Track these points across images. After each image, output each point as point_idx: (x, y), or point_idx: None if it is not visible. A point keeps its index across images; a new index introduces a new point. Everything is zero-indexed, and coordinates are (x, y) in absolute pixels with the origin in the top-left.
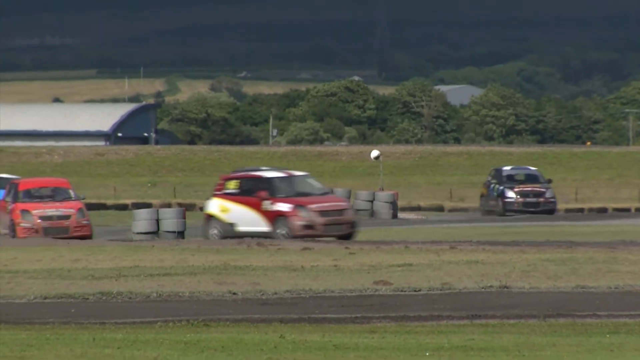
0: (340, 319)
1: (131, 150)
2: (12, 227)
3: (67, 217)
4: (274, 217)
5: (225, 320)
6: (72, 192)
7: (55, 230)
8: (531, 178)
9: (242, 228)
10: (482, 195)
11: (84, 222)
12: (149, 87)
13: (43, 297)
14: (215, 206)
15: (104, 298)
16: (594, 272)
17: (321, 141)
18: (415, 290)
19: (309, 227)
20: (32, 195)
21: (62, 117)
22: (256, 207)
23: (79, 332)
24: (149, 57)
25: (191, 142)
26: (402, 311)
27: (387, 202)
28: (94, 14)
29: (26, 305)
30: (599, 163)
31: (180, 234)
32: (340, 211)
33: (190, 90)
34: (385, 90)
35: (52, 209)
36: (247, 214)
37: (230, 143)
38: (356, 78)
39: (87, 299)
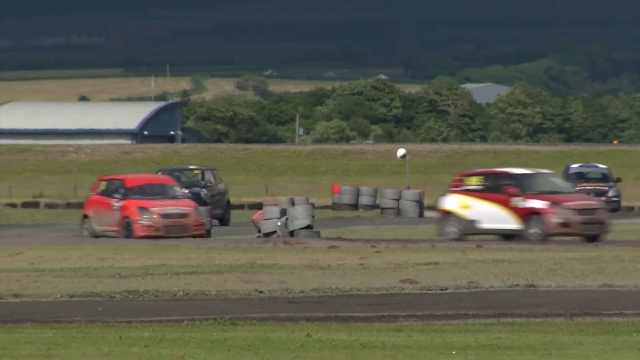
0: (366, 318)
1: (157, 148)
2: (127, 225)
3: (186, 215)
4: (526, 215)
5: (252, 319)
6: (177, 190)
7: (176, 229)
8: (597, 176)
9: (486, 225)
10: None
11: (201, 220)
12: (175, 85)
13: (69, 295)
14: (454, 203)
15: (131, 296)
16: (621, 270)
17: (347, 140)
18: (441, 289)
19: (565, 225)
20: (144, 192)
21: (88, 116)
22: (504, 203)
23: (105, 331)
24: (175, 55)
25: (217, 141)
26: (429, 310)
27: (414, 201)
28: (121, 14)
29: (53, 304)
30: (626, 162)
31: (207, 233)
32: (594, 210)
33: (217, 89)
34: (412, 89)
35: (171, 207)
36: (493, 211)
37: (257, 141)
38: (382, 76)
39: (114, 297)
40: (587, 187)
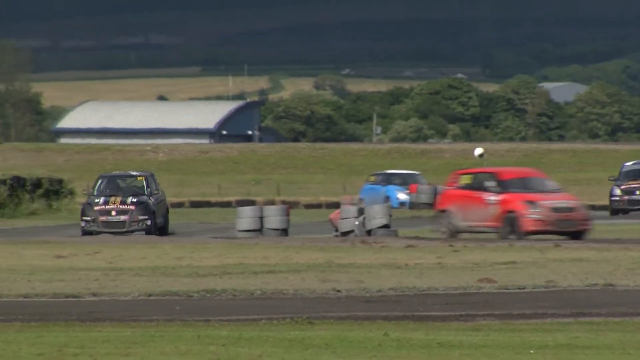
0: (444, 317)
1: (235, 148)
2: (511, 220)
3: (574, 209)
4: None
5: (329, 318)
6: (552, 183)
7: (566, 223)
8: None
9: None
10: None
11: (587, 215)
12: (253, 84)
13: (147, 294)
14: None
15: (208, 295)
16: None
17: (425, 139)
18: (519, 288)
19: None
20: (524, 185)
21: (166, 115)
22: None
23: (183, 330)
24: (253, 55)
25: (295, 140)
26: (506, 309)
27: None
28: (199, 14)
29: (131, 303)
30: None
31: (284, 232)
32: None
33: (294, 88)
34: (489, 88)
35: (559, 200)
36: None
37: (334, 140)
38: (460, 75)
39: (192, 296)
40: (631, 186)
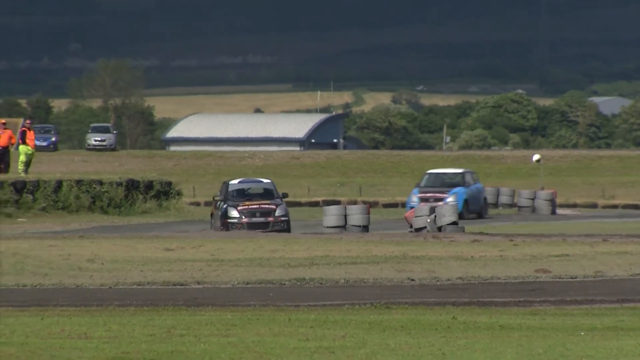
0: (505, 303)
1: (322, 154)
2: None
3: None
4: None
5: (404, 304)
6: None
7: None
8: None
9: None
10: None
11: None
12: (338, 99)
13: (245, 282)
14: (414, 200)
15: (298, 284)
16: None
17: (489, 146)
18: (571, 278)
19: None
20: None
21: (262, 126)
22: (424, 200)
23: (276, 314)
24: (338, 72)
25: (375, 148)
26: (560, 296)
27: (547, 200)
28: (291, 36)
29: (230, 290)
30: None
31: (365, 228)
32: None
33: (374, 102)
34: (545, 102)
35: None
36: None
37: (410, 148)
38: (520, 91)
39: (284, 284)
40: None
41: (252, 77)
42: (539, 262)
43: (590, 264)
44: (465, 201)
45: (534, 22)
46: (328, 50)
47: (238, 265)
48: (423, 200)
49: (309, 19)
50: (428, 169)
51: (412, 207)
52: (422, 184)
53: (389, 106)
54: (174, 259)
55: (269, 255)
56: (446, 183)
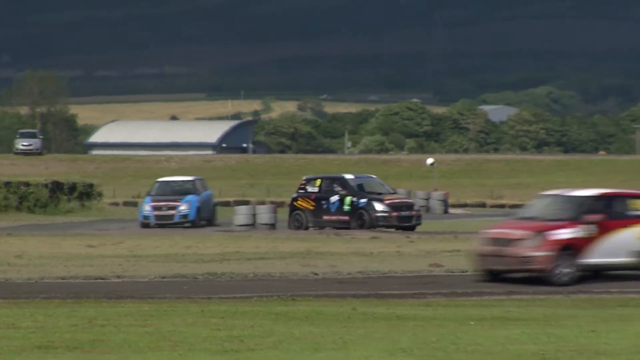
0: (401, 295)
1: (233, 158)
2: None
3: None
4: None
5: (308, 296)
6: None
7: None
8: None
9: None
10: None
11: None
12: (248, 107)
13: (161, 276)
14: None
15: (211, 278)
16: None
17: (386, 151)
18: (462, 272)
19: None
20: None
21: (178, 132)
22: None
23: (190, 305)
24: (248, 83)
25: (282, 152)
26: (452, 288)
27: (440, 200)
28: (205, 47)
29: (147, 284)
30: (613, 169)
31: (273, 226)
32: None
33: (281, 110)
34: (439, 110)
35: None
36: None
37: (314, 152)
38: (415, 100)
39: (197, 278)
40: None
41: (169, 86)
42: (432, 258)
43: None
44: (198, 209)
45: (429, 37)
46: (240, 62)
47: (155, 260)
48: (156, 209)
49: (223, 33)
50: (331, 171)
51: (145, 217)
52: (153, 192)
53: (295, 113)
54: (95, 255)
55: (183, 251)
56: (177, 191)
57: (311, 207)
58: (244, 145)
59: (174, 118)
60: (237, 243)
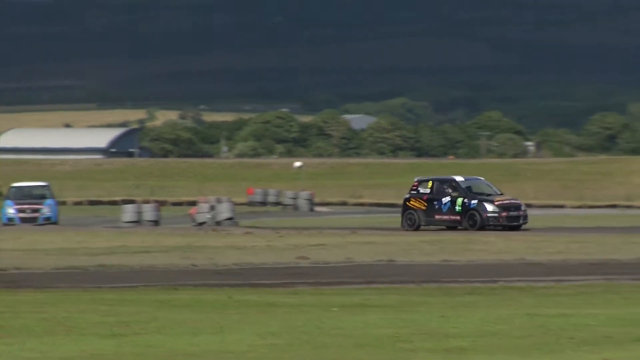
0: (272, 284)
1: (121, 161)
2: None
3: None
4: None
5: (189, 285)
6: None
7: None
8: None
9: None
10: None
11: None
12: (134, 116)
13: (56, 268)
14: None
15: (100, 269)
16: (456, 250)
17: (259, 155)
18: (326, 263)
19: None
20: None
21: (71, 138)
22: None
23: (81, 294)
24: (135, 94)
25: (165, 156)
26: (317, 278)
27: (307, 199)
28: (95, 62)
29: (44, 274)
30: (460, 171)
31: (156, 223)
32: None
33: (164, 118)
34: (306, 119)
35: None
36: None
37: (194, 156)
38: (285, 109)
39: (88, 269)
40: None
41: (64, 97)
42: (299, 251)
43: (341, 252)
44: (57, 211)
45: (299, 54)
46: (127, 76)
47: (50, 254)
48: (20, 211)
49: (112, 50)
50: (209, 173)
51: (10, 219)
52: (12, 196)
53: (177, 122)
54: None
55: (75, 245)
56: (35, 195)
57: (423, 207)
58: (131, 150)
59: (67, 126)
60: (124, 238)
